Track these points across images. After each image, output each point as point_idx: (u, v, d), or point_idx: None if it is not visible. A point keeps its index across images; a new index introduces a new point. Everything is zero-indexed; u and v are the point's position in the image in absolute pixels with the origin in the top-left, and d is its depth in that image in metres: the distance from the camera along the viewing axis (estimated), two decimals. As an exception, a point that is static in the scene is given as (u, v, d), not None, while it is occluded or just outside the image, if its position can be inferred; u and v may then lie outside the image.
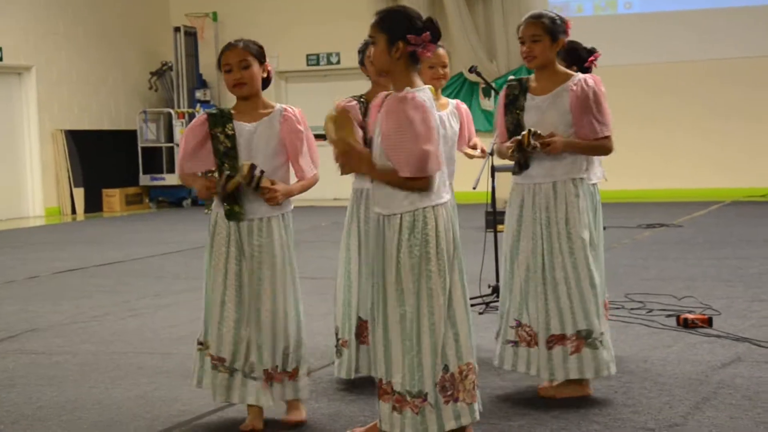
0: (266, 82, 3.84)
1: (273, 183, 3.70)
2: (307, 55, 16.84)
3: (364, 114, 4.12)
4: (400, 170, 3.18)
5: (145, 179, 16.50)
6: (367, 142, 3.46)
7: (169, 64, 17.07)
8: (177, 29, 16.82)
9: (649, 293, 6.36)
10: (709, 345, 4.91)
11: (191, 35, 17.07)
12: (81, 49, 15.99)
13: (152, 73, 17.17)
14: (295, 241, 3.86)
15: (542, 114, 4.05)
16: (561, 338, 3.99)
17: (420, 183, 3.20)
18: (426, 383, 3.22)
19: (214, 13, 17.23)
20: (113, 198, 16.00)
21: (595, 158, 4.63)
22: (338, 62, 16.76)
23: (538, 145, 3.94)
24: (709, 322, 5.32)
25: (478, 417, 3.36)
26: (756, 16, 14.53)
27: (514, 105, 4.12)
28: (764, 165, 14.41)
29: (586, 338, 3.98)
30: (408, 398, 3.22)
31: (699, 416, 3.75)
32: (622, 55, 14.73)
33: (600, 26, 14.99)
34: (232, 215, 3.73)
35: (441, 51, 4.64)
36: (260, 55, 3.78)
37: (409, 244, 3.21)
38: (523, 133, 3.97)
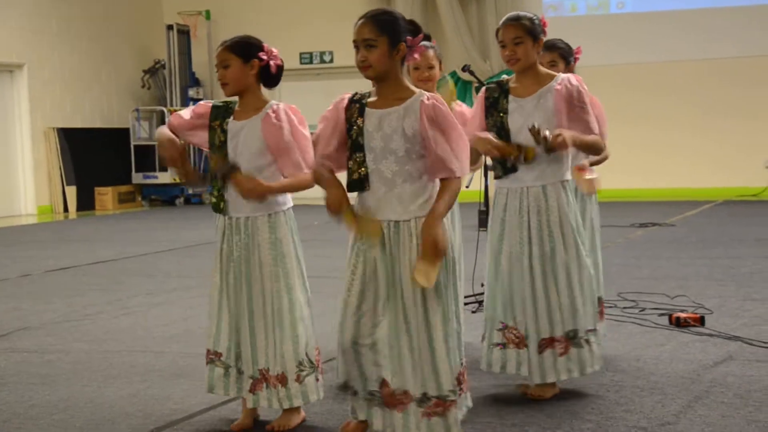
0: (268, 77, 3.73)
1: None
2: (301, 54, 16.84)
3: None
4: (459, 172, 3.19)
5: (137, 177, 16.48)
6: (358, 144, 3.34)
7: (162, 62, 17.05)
8: (170, 27, 16.80)
9: (641, 292, 6.37)
10: (702, 344, 4.92)
11: (184, 33, 17.05)
12: (73, 46, 15.96)
13: (145, 71, 17.15)
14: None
15: (527, 116, 3.97)
16: (551, 341, 3.98)
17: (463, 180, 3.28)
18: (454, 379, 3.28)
19: (207, 12, 17.22)
20: (106, 196, 15.98)
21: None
22: (331, 61, 16.77)
23: (548, 134, 3.82)
24: (701, 321, 5.34)
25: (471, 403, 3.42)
26: (748, 15, 14.57)
27: (495, 108, 4.03)
28: (756, 164, 14.45)
29: (573, 338, 3.98)
30: (451, 397, 3.23)
31: (691, 415, 3.76)
32: (614, 55, 14.80)
33: (593, 25, 15.05)
34: (215, 208, 3.76)
35: (430, 53, 4.62)
36: (245, 53, 3.67)
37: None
38: (529, 127, 3.86)
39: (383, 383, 3.29)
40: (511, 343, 4.03)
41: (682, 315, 5.40)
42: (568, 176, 4.05)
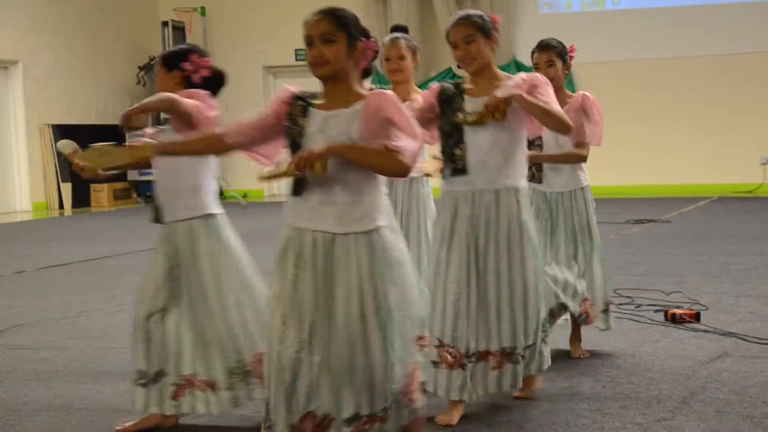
0: (200, 86, 3.65)
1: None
2: (296, 50, 16.81)
3: None
4: (400, 146, 2.90)
5: (133, 174, 16.43)
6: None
7: (157, 59, 17.02)
8: (165, 24, 16.78)
9: (637, 288, 6.38)
10: (697, 340, 4.93)
11: (179, 30, 17.02)
12: (68, 43, 15.93)
13: (140, 68, 17.12)
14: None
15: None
16: (485, 355, 3.75)
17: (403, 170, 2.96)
18: None
19: (203, 8, 17.19)
20: (101, 193, 15.96)
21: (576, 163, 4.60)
22: (327, 57, 16.73)
23: (468, 114, 3.63)
24: (696, 317, 5.35)
25: None
26: (744, 12, 14.58)
27: (449, 106, 3.77)
28: (752, 161, 14.47)
29: (509, 354, 3.77)
30: (380, 414, 3.00)
31: (687, 410, 3.77)
32: (609, 51, 14.81)
33: (588, 22, 15.06)
34: (155, 220, 3.76)
35: (401, 43, 4.47)
36: (168, 63, 3.71)
37: (384, 265, 2.98)
38: (457, 119, 3.68)
39: (307, 415, 2.96)
40: (444, 362, 3.69)
41: (678, 311, 5.41)
42: (524, 183, 3.81)
